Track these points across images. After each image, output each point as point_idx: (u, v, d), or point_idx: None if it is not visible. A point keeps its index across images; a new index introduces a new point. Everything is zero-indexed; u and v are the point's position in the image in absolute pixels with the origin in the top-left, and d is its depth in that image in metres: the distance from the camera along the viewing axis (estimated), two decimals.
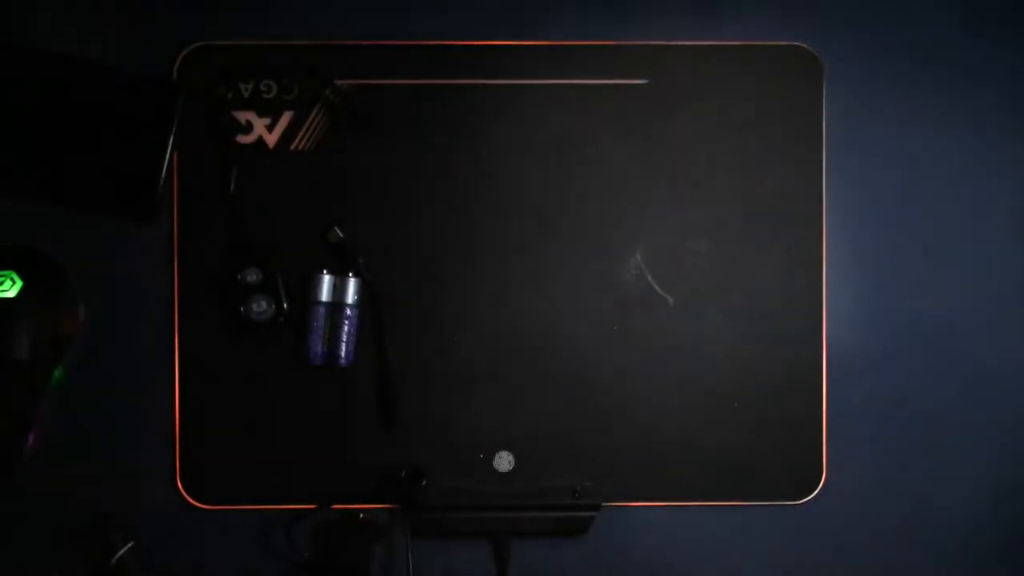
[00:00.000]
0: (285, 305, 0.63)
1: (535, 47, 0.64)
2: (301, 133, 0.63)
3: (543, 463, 0.64)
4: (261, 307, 0.62)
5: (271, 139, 0.63)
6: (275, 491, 0.64)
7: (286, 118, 0.63)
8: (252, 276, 0.62)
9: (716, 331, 0.64)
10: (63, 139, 0.63)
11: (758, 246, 0.64)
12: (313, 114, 0.63)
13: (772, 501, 0.64)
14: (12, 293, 0.61)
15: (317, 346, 0.63)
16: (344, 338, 0.63)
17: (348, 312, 0.63)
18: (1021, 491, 0.65)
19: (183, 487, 0.63)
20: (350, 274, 0.63)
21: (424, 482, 0.61)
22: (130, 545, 0.63)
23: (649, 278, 0.64)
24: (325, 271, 0.63)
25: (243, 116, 0.63)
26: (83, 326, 0.64)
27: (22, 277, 0.61)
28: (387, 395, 0.63)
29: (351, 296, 0.63)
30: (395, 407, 0.63)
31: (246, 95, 0.63)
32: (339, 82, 0.63)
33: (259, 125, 0.63)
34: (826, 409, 0.64)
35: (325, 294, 0.63)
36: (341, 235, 0.63)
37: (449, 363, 0.64)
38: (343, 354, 0.63)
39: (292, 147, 0.63)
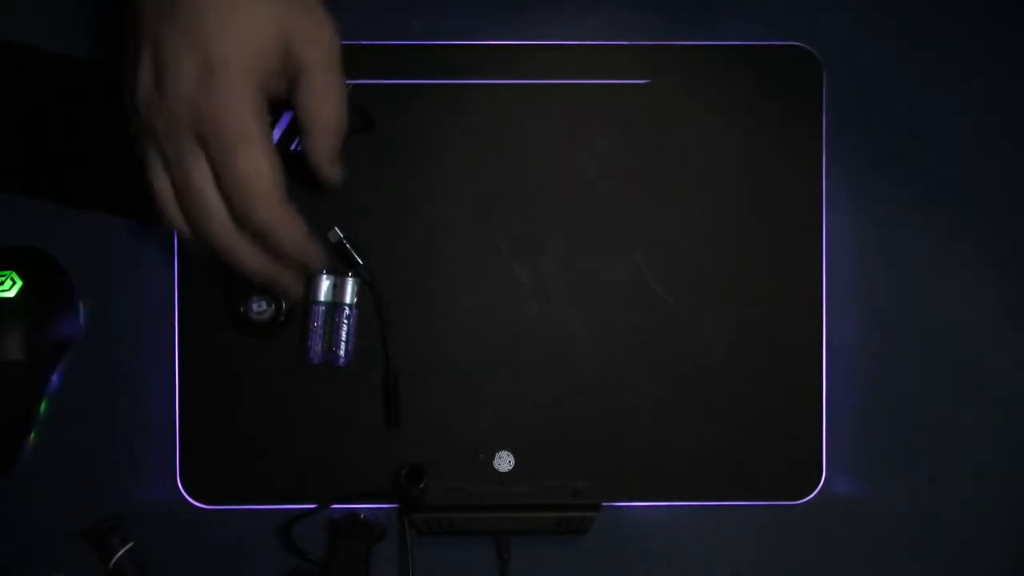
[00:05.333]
0: (285, 305, 0.63)
1: (535, 47, 0.64)
2: None
3: (543, 463, 0.64)
4: (261, 307, 0.62)
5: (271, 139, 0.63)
6: (275, 491, 0.64)
7: (286, 118, 0.63)
8: None
9: (716, 331, 0.64)
10: (63, 139, 0.63)
11: (758, 246, 0.64)
12: None
13: (772, 501, 0.64)
14: (12, 293, 0.61)
15: (316, 346, 0.63)
16: (343, 338, 0.63)
17: (347, 312, 0.63)
18: (1022, 491, 0.65)
19: (183, 487, 0.63)
20: (349, 274, 0.63)
21: (424, 482, 0.61)
22: (129, 546, 0.63)
23: (649, 279, 0.64)
24: (324, 271, 0.63)
25: None
26: (83, 326, 0.64)
27: (22, 277, 0.61)
28: (390, 395, 0.63)
29: (350, 296, 0.63)
30: (398, 407, 0.63)
31: None
32: None
33: None
34: (826, 409, 0.64)
35: (324, 294, 0.63)
36: (341, 235, 0.63)
37: (449, 363, 0.64)
38: (342, 354, 0.63)
39: (292, 147, 0.63)
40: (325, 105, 0.52)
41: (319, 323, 0.63)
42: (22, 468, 0.63)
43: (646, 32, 0.64)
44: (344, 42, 0.63)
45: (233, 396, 0.63)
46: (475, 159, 0.64)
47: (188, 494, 0.63)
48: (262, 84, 0.50)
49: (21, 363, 0.60)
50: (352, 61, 0.63)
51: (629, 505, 0.64)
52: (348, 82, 0.63)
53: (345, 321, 0.63)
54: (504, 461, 0.64)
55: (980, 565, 0.65)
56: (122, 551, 0.62)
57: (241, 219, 0.51)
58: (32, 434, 0.63)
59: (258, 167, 0.50)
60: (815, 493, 0.64)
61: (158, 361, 0.63)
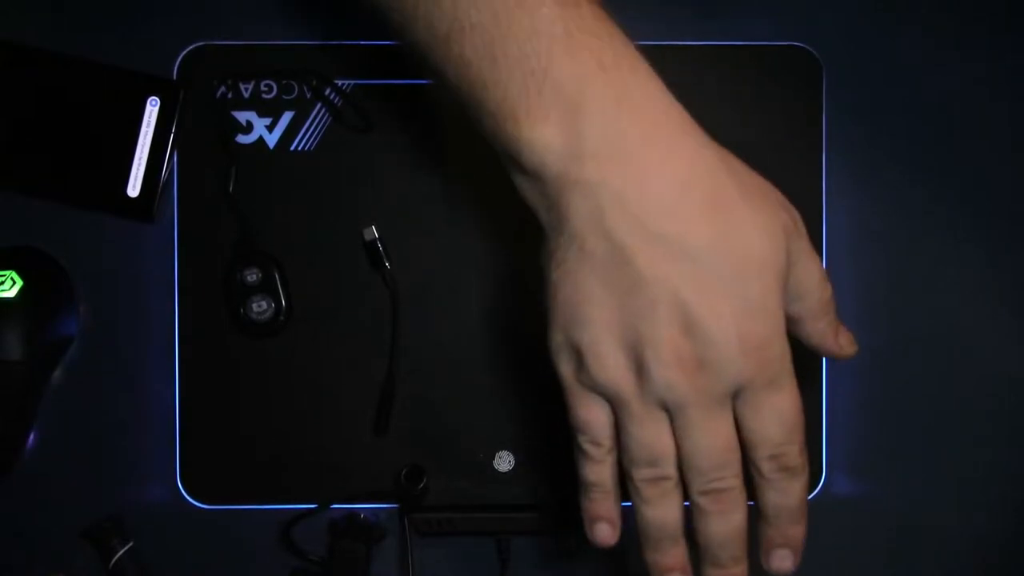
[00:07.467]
0: (285, 305, 0.63)
1: None
2: (301, 133, 0.63)
3: (543, 463, 0.64)
4: (261, 307, 0.62)
5: (271, 139, 0.63)
6: (275, 491, 0.64)
7: (286, 118, 0.63)
8: (252, 276, 0.62)
9: None
10: (62, 139, 0.63)
11: None
12: (313, 114, 0.63)
13: None
14: (12, 293, 0.61)
15: None
16: None
17: None
18: (1022, 491, 0.65)
19: (183, 487, 0.63)
20: None
21: (424, 482, 0.61)
22: (129, 546, 0.63)
23: None
24: None
25: (243, 116, 0.63)
26: (83, 326, 0.64)
27: (22, 277, 0.61)
28: (383, 405, 0.63)
29: None
30: (388, 417, 0.63)
31: (246, 95, 0.63)
32: (339, 82, 0.63)
33: (259, 125, 0.63)
34: (826, 408, 0.64)
35: None
36: (376, 235, 0.63)
37: (449, 362, 0.63)
38: None
39: (292, 147, 0.63)
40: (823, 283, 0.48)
41: None
42: (22, 468, 0.63)
43: (646, 32, 0.64)
44: (344, 42, 0.63)
45: (233, 396, 0.63)
46: (475, 159, 0.64)
47: (188, 494, 0.63)
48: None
49: (20, 363, 0.60)
50: (352, 61, 0.63)
51: (629, 505, 0.64)
52: (347, 82, 0.63)
53: None
54: (504, 461, 0.64)
55: (980, 565, 0.65)
56: (122, 551, 0.62)
57: (767, 465, 0.46)
58: (31, 434, 0.63)
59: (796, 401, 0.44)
60: (815, 493, 0.64)
61: (158, 361, 0.63)
